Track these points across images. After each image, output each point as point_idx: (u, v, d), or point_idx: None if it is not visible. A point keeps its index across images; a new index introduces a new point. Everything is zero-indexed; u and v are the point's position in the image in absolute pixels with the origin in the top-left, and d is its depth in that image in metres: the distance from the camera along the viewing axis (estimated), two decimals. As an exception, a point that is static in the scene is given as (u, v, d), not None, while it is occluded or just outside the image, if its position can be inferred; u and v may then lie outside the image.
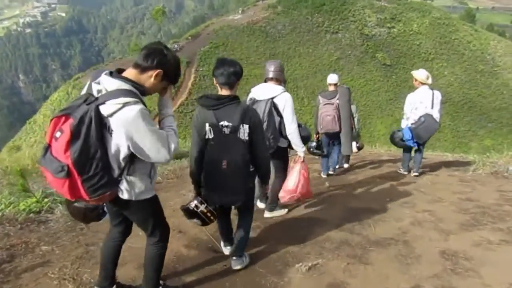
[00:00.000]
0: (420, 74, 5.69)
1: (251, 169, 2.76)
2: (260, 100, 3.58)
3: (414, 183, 5.54)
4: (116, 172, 2.02)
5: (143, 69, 2.02)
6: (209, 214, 2.68)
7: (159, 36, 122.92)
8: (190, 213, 2.70)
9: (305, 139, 3.98)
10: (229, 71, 2.63)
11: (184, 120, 37.01)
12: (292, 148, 3.87)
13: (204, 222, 2.73)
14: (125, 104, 1.87)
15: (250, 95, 3.72)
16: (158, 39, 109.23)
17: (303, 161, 3.88)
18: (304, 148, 3.83)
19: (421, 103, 5.58)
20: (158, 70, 2.02)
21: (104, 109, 1.87)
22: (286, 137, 3.71)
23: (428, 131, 5.52)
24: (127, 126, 1.90)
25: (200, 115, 2.67)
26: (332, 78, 5.81)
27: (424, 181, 5.58)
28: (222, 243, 3.25)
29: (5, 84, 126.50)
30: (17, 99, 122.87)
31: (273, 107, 3.56)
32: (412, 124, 5.64)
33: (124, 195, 2.11)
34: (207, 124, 2.61)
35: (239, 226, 2.99)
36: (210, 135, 2.61)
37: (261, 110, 3.47)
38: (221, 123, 2.59)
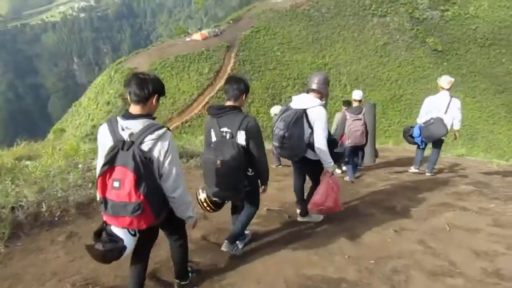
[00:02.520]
0: (441, 80, 6.02)
1: (250, 173, 3.15)
2: (291, 109, 3.71)
3: (428, 221, 4.02)
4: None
5: (145, 100, 2.29)
6: (205, 204, 3.22)
7: (205, 20, 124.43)
8: (196, 200, 3.19)
9: (338, 156, 4.13)
10: (234, 87, 3.05)
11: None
12: None
13: (204, 209, 3.29)
14: (159, 138, 2.26)
15: (289, 103, 3.89)
16: (205, 22, 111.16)
17: (332, 175, 3.85)
18: (332, 163, 3.81)
19: (435, 107, 5.89)
20: (156, 95, 2.33)
21: (145, 147, 2.24)
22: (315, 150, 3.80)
23: (433, 133, 5.82)
24: (163, 154, 2.29)
25: (208, 122, 3.17)
26: (358, 94, 6.20)
27: (441, 222, 3.91)
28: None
29: (61, 67, 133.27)
30: (72, 82, 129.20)
31: (306, 118, 3.69)
32: (423, 123, 5.98)
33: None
34: (212, 130, 3.10)
35: (238, 218, 3.40)
36: (213, 139, 3.09)
37: (288, 118, 3.60)
38: (223, 129, 3.03)
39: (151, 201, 2.22)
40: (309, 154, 3.78)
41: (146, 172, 2.18)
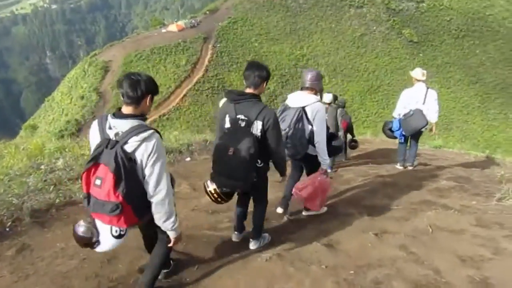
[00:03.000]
0: (415, 72, 5.98)
1: (259, 164, 3.02)
2: (291, 108, 3.72)
3: (410, 222, 3.80)
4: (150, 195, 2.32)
5: (138, 101, 2.25)
6: (215, 196, 3.03)
7: (181, 11, 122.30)
8: (204, 191, 3.08)
9: (337, 150, 4.27)
10: (255, 74, 2.93)
11: (200, 98, 36.49)
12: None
13: (213, 200, 3.09)
14: (144, 140, 2.20)
15: (285, 101, 3.88)
16: (181, 13, 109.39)
17: (326, 173, 3.90)
18: (328, 161, 3.85)
19: (413, 98, 5.85)
20: (149, 95, 2.29)
21: (128, 148, 2.19)
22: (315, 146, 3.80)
23: (413, 125, 5.78)
24: (146, 156, 2.23)
25: (223, 107, 3.04)
26: (328, 98, 6.49)
27: (423, 223, 3.68)
28: (233, 232, 3.54)
29: (33, 60, 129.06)
30: (45, 76, 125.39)
31: (305, 115, 3.68)
32: (403, 116, 5.90)
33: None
34: (227, 115, 2.95)
35: (253, 213, 3.38)
36: (227, 125, 2.96)
37: (290, 118, 3.65)
38: (239, 116, 2.91)
39: (132, 202, 2.22)
40: (310, 150, 3.79)
41: (127, 173, 2.17)
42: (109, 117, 2.28)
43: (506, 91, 42.38)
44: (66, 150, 6.16)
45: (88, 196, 2.25)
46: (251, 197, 3.39)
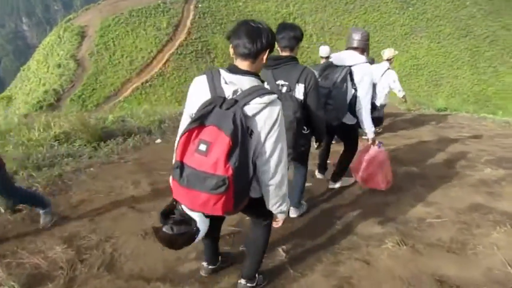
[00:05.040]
0: (386, 53, 6.65)
1: (305, 132, 2.94)
2: (338, 66, 3.40)
3: (473, 257, 2.87)
4: (251, 176, 1.89)
5: (255, 56, 1.89)
6: None
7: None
8: None
9: (378, 121, 4.01)
10: (290, 35, 2.76)
11: (183, 62, 35.17)
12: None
13: None
14: (269, 103, 1.82)
15: (329, 60, 3.56)
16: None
17: (374, 143, 3.66)
18: (373, 129, 3.60)
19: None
20: (268, 50, 1.93)
21: (249, 110, 1.80)
22: (354, 114, 3.54)
23: None
24: (269, 126, 1.83)
25: (261, 75, 2.48)
26: (324, 50, 6.08)
27: (496, 260, 2.77)
28: None
29: (8, 28, 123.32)
30: (22, 43, 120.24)
31: (350, 76, 3.37)
32: None
33: (255, 194, 2.07)
34: (265, 83, 2.46)
35: (294, 180, 3.31)
36: None
37: (335, 76, 3.34)
38: (278, 82, 2.79)
39: (238, 182, 1.75)
40: (347, 119, 3.54)
41: (243, 142, 1.74)
42: (223, 71, 1.90)
43: (495, 43, 41.60)
44: (11, 133, 5.38)
45: (182, 165, 1.77)
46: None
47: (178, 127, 6.56)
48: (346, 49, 3.62)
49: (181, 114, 6.82)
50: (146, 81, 32.88)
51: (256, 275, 2.52)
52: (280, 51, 2.87)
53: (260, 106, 1.80)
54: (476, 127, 7.60)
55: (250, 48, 1.85)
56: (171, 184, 1.95)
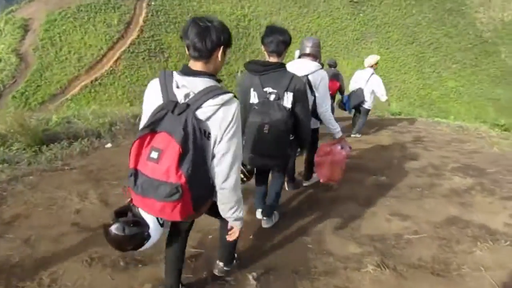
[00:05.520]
0: (368, 60, 7.34)
1: (291, 138, 2.88)
2: None
3: (461, 280, 2.73)
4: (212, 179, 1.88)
5: (208, 55, 1.83)
6: (241, 175, 2.74)
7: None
8: None
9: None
10: (278, 39, 2.70)
11: (135, 61, 33.98)
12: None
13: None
14: (223, 104, 1.76)
15: None
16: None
17: (342, 142, 3.64)
18: (339, 128, 3.62)
19: (361, 79, 7.22)
20: (221, 47, 1.88)
21: (202, 114, 1.75)
22: (317, 118, 3.62)
23: (353, 100, 7.17)
24: (224, 127, 1.77)
25: (247, 80, 2.79)
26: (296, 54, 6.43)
27: (484, 283, 2.67)
28: (256, 209, 3.40)
29: None
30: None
31: (308, 84, 3.39)
32: (351, 91, 7.35)
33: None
34: (252, 89, 2.73)
35: (271, 188, 3.23)
36: (254, 100, 2.74)
37: None
38: (266, 89, 2.71)
39: (194, 187, 1.72)
40: (312, 123, 3.56)
41: (196, 147, 1.70)
42: (175, 74, 1.84)
43: (439, 50, 44.05)
44: None
45: (136, 173, 1.76)
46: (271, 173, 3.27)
47: (130, 129, 6.08)
48: (299, 56, 3.81)
49: (133, 115, 6.32)
50: (96, 79, 31.37)
51: (233, 260, 2.59)
52: (267, 56, 2.82)
53: (213, 108, 1.74)
54: (432, 131, 7.83)
55: (200, 48, 1.78)
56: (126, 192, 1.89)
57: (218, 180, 1.84)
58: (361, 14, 45.18)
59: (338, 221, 3.56)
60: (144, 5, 38.68)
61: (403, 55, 42.89)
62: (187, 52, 1.85)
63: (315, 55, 3.66)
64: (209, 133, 1.76)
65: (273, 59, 2.78)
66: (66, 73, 30.92)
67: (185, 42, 1.83)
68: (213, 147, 1.80)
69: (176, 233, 2.22)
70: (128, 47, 34.50)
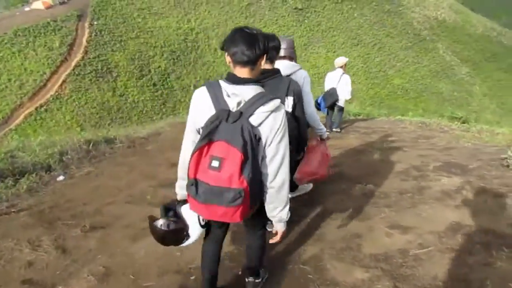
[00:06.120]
0: (336, 61, 8.05)
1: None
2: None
3: None
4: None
5: (255, 62, 1.91)
6: None
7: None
8: None
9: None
10: (270, 46, 2.36)
11: (82, 83, 32.70)
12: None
13: None
14: (273, 111, 1.86)
15: None
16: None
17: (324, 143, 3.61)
18: (325, 129, 3.60)
19: (332, 79, 7.88)
20: (264, 55, 1.96)
21: (255, 120, 1.84)
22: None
23: (329, 99, 7.71)
24: (274, 132, 1.88)
25: None
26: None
27: None
28: None
29: None
30: None
31: None
32: (325, 91, 7.93)
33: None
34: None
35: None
36: None
37: None
38: None
39: (252, 190, 1.82)
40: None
41: (253, 153, 1.80)
42: (223, 83, 1.92)
43: (382, 50, 45.93)
44: None
45: (196, 182, 1.82)
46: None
47: (83, 157, 5.61)
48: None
49: (86, 141, 5.94)
50: (41, 106, 29.83)
51: (260, 271, 2.59)
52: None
53: (265, 115, 1.83)
54: (397, 130, 7.90)
55: (249, 54, 1.85)
56: (185, 197, 2.03)
57: (267, 180, 1.94)
58: (306, 21, 46.30)
59: (335, 241, 3.24)
60: (87, 25, 37.46)
61: (350, 57, 44.17)
62: (228, 60, 1.92)
63: (291, 56, 3.59)
64: (260, 138, 1.86)
65: (268, 66, 2.80)
66: (8, 102, 29.20)
67: (231, 50, 1.87)
68: (263, 150, 1.90)
69: (216, 234, 2.30)
70: (73, 69, 33.16)
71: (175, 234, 2.03)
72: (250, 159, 1.77)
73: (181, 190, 2.13)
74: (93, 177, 4.86)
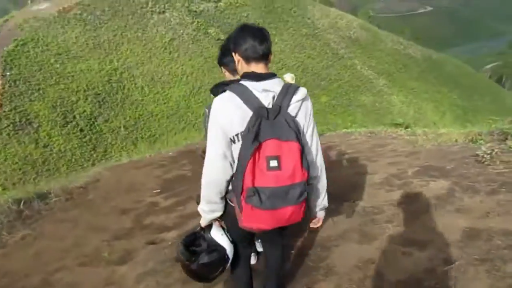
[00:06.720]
0: (286, 77, 6.88)
1: None
2: None
3: None
4: None
5: (267, 57, 1.94)
6: None
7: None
8: None
9: None
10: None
11: (-1, 138, 30.09)
12: None
13: None
14: (303, 98, 1.88)
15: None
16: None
17: None
18: None
19: None
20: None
21: (292, 110, 1.86)
22: None
23: None
24: (308, 119, 1.92)
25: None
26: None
27: None
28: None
29: None
30: None
31: None
32: None
33: None
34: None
35: None
36: None
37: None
38: None
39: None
40: None
41: (303, 144, 1.79)
42: (247, 82, 1.85)
43: (306, 71, 48.17)
44: None
45: (257, 191, 1.68)
46: None
47: (17, 219, 4.88)
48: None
49: (15, 200, 5.24)
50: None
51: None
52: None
53: (298, 104, 1.87)
54: (350, 142, 7.91)
55: (263, 49, 1.89)
56: (241, 212, 1.80)
57: (313, 170, 1.93)
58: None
59: (350, 273, 2.85)
60: (-2, 76, 34.96)
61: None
62: (240, 59, 1.89)
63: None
64: (298, 128, 1.84)
65: (231, 77, 2.84)
66: None
67: (243, 47, 1.87)
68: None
69: (245, 255, 2.21)
70: (-13, 125, 30.54)
71: (216, 264, 1.91)
72: (304, 150, 1.76)
73: (212, 214, 1.96)
74: (31, 241, 4.29)
